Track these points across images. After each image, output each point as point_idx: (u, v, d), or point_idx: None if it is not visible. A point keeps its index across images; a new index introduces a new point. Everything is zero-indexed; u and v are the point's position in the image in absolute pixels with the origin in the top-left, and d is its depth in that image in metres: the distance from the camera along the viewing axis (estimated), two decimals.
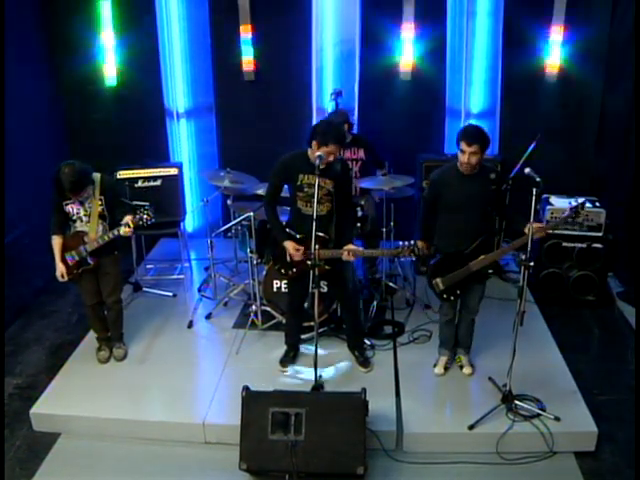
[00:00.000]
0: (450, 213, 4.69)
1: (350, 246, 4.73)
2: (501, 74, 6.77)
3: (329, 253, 4.71)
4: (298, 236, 4.82)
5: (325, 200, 4.71)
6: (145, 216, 4.82)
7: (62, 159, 4.75)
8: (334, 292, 5.26)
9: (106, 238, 4.85)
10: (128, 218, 4.81)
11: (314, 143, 4.59)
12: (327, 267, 4.73)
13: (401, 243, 4.68)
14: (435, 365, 5.17)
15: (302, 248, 4.76)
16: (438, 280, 4.78)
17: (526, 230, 4.45)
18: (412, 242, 4.65)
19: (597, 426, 4.47)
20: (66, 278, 4.99)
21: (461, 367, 5.14)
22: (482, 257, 4.66)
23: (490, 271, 4.80)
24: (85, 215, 4.91)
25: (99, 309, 5.27)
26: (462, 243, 4.69)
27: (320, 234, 4.59)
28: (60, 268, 4.97)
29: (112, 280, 5.16)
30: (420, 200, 4.90)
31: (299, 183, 4.73)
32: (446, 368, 5.15)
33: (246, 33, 6.74)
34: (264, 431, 4.17)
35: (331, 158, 4.58)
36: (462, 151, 4.49)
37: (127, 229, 4.76)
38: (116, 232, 4.80)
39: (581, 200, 4.70)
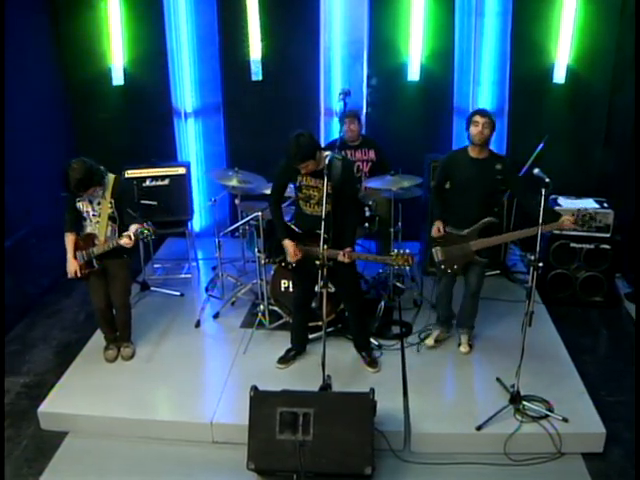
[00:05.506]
0: (455, 194, 4.89)
1: (348, 248, 4.74)
2: (509, 74, 6.75)
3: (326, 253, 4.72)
4: (298, 230, 4.91)
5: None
6: (146, 232, 4.80)
7: (69, 158, 4.74)
8: (339, 292, 5.26)
9: (110, 246, 4.86)
10: (133, 227, 4.82)
11: None
12: (329, 263, 4.72)
13: (395, 250, 4.70)
14: (427, 337, 5.42)
15: (300, 252, 4.84)
16: (438, 249, 4.95)
17: (560, 221, 4.57)
18: (407, 251, 4.67)
19: (605, 427, 4.46)
20: (79, 274, 5.00)
21: (459, 345, 5.26)
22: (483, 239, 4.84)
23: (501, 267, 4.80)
24: (94, 215, 4.92)
25: (108, 312, 5.27)
26: (463, 226, 4.86)
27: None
28: (73, 264, 4.99)
29: (120, 284, 5.16)
30: (430, 190, 5.09)
31: (298, 184, 4.81)
32: (437, 341, 5.37)
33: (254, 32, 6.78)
34: (272, 431, 4.17)
35: (310, 168, 4.61)
36: (476, 123, 4.69)
37: (128, 240, 4.76)
38: (115, 243, 4.82)
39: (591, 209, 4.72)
